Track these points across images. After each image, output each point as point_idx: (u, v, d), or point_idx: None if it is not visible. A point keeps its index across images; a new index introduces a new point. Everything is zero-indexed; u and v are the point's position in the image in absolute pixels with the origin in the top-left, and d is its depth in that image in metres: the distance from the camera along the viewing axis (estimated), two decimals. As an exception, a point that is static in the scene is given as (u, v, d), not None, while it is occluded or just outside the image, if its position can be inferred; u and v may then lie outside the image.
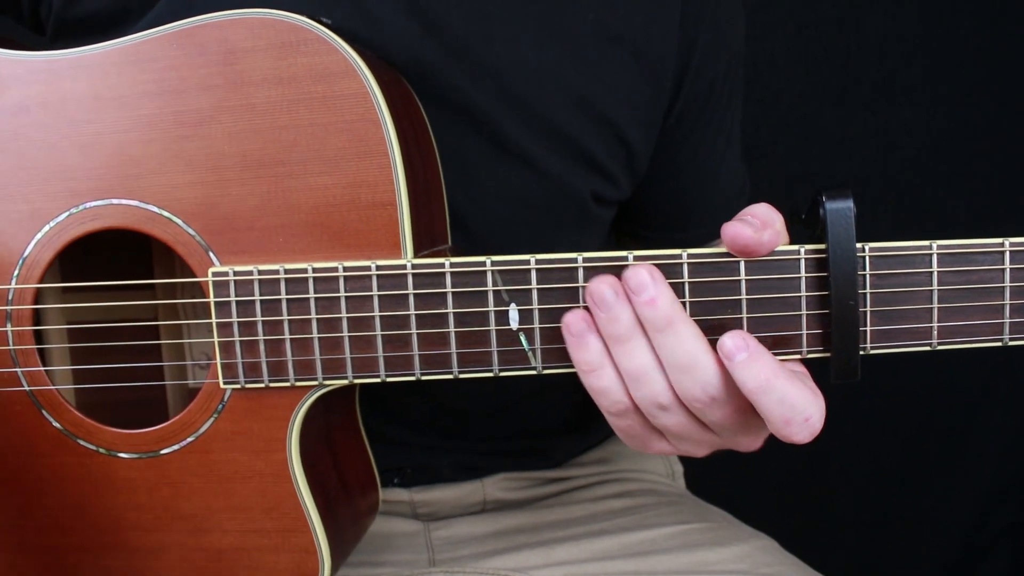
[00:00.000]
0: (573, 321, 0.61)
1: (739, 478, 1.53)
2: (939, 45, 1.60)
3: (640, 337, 0.60)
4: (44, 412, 0.72)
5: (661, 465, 1.02)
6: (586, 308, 0.61)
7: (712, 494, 0.98)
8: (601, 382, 0.61)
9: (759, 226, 0.60)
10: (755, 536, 0.88)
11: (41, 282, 0.71)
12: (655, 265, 0.62)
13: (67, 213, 0.70)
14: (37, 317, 0.74)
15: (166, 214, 0.68)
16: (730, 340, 0.59)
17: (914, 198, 1.63)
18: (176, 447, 0.70)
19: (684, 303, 0.63)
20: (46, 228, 0.70)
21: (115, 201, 0.69)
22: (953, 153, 1.63)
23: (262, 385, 0.67)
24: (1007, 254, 0.62)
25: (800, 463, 1.71)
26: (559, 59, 0.77)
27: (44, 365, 0.73)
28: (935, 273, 0.62)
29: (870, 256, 0.62)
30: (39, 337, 0.74)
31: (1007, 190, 1.62)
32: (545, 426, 0.96)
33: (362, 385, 0.77)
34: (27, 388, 0.72)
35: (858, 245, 0.61)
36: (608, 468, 0.98)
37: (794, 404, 0.58)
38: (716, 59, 0.84)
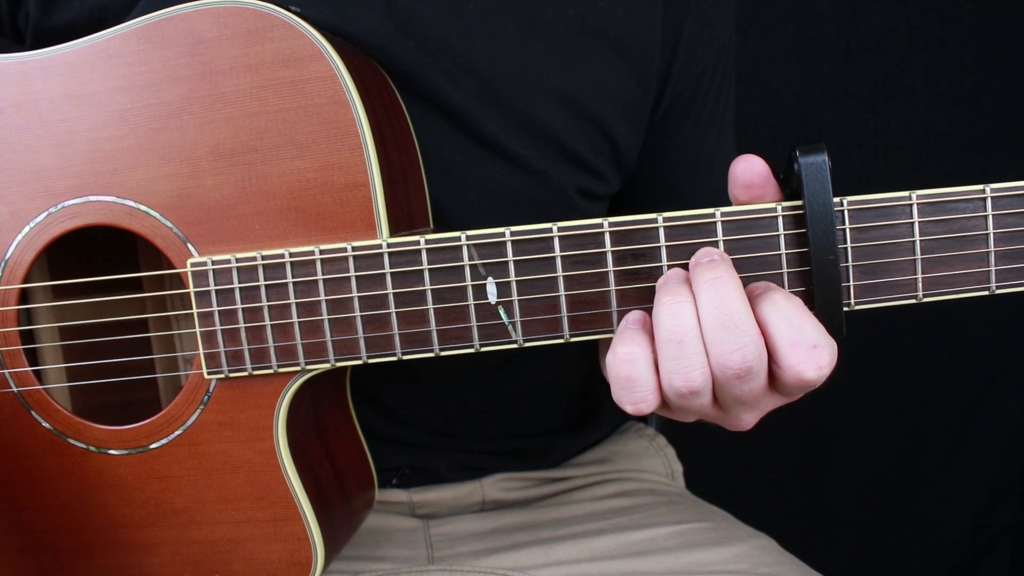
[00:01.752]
0: (631, 316, 0.62)
1: (739, 478, 1.52)
2: (939, 45, 1.59)
3: (690, 302, 0.59)
4: (33, 413, 0.72)
5: (660, 465, 1.01)
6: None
7: (712, 494, 0.97)
8: (633, 370, 0.59)
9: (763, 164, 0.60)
10: (755, 536, 0.87)
11: (24, 283, 0.71)
12: (631, 230, 0.62)
13: (46, 213, 0.70)
14: (25, 318, 0.74)
15: (143, 208, 0.68)
16: (755, 284, 0.60)
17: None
18: (165, 441, 0.70)
19: (663, 267, 0.62)
20: (26, 229, 0.71)
21: (92, 198, 0.69)
22: (953, 153, 1.62)
23: (245, 373, 0.67)
24: (988, 200, 0.61)
25: (800, 463, 1.71)
26: (540, 55, 0.76)
27: (36, 366, 0.73)
28: (916, 224, 0.61)
29: (849, 210, 0.61)
30: (29, 338, 0.75)
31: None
32: (543, 425, 0.95)
33: (355, 379, 0.77)
34: (15, 389, 0.72)
35: (836, 199, 0.60)
36: (607, 468, 0.97)
37: (802, 327, 0.57)
38: (704, 52, 0.82)
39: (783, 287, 0.62)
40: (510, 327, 0.64)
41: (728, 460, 1.46)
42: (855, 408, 1.61)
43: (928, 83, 1.61)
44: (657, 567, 0.81)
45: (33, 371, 0.72)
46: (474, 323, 0.64)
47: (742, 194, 0.62)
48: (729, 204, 0.90)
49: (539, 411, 0.94)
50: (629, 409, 0.60)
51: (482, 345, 0.65)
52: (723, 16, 0.85)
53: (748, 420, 0.63)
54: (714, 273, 0.59)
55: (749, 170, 0.61)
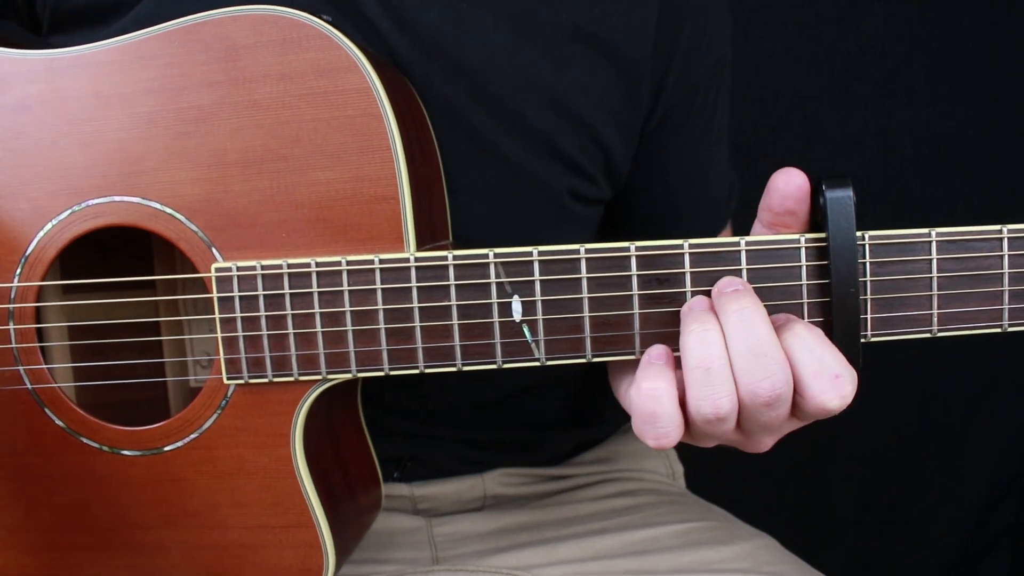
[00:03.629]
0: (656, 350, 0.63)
1: (739, 478, 1.52)
2: (939, 45, 1.60)
3: (717, 330, 0.60)
4: (47, 410, 0.72)
5: (662, 465, 1.03)
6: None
7: (712, 494, 0.98)
8: (657, 407, 0.60)
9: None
10: (756, 535, 0.88)
11: (43, 280, 0.71)
12: (656, 255, 0.63)
13: (69, 211, 0.70)
14: (39, 316, 0.74)
15: (169, 211, 0.68)
16: (776, 316, 0.62)
17: (914, 198, 1.63)
18: (180, 443, 0.70)
19: (687, 292, 0.64)
20: (48, 226, 0.70)
21: (117, 198, 0.69)
22: (953, 153, 1.63)
23: (266, 380, 0.68)
24: (1005, 240, 0.63)
25: (800, 463, 1.71)
26: (533, 58, 0.77)
27: (48, 363, 0.72)
28: (934, 260, 0.63)
29: (870, 244, 0.63)
30: (41, 336, 0.74)
31: (1007, 190, 1.62)
32: (544, 420, 0.96)
33: (363, 385, 0.78)
34: (30, 386, 0.72)
35: (858, 233, 0.62)
36: (609, 467, 0.98)
37: (823, 357, 0.59)
38: (699, 65, 0.83)
39: (803, 317, 0.63)
40: (533, 345, 0.65)
41: (728, 460, 1.46)
42: (855, 408, 1.62)
43: (928, 83, 1.61)
44: (660, 566, 0.82)
45: (47, 369, 0.72)
46: (498, 340, 0.65)
47: (777, 204, 0.62)
48: (722, 218, 0.90)
49: (542, 406, 0.95)
50: (651, 444, 0.61)
51: (504, 361, 0.66)
52: (720, 30, 0.85)
53: (767, 443, 0.65)
54: (741, 303, 0.60)
55: (791, 183, 0.62)
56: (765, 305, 0.62)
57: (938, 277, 0.63)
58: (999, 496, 1.76)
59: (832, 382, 0.58)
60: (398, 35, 0.74)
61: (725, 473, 1.32)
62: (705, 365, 0.59)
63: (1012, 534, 1.76)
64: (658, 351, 0.62)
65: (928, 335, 0.64)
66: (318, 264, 0.66)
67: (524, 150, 0.78)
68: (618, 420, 1.03)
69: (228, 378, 0.68)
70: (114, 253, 0.78)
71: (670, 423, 0.60)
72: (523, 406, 0.93)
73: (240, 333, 0.67)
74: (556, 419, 0.97)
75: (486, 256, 0.64)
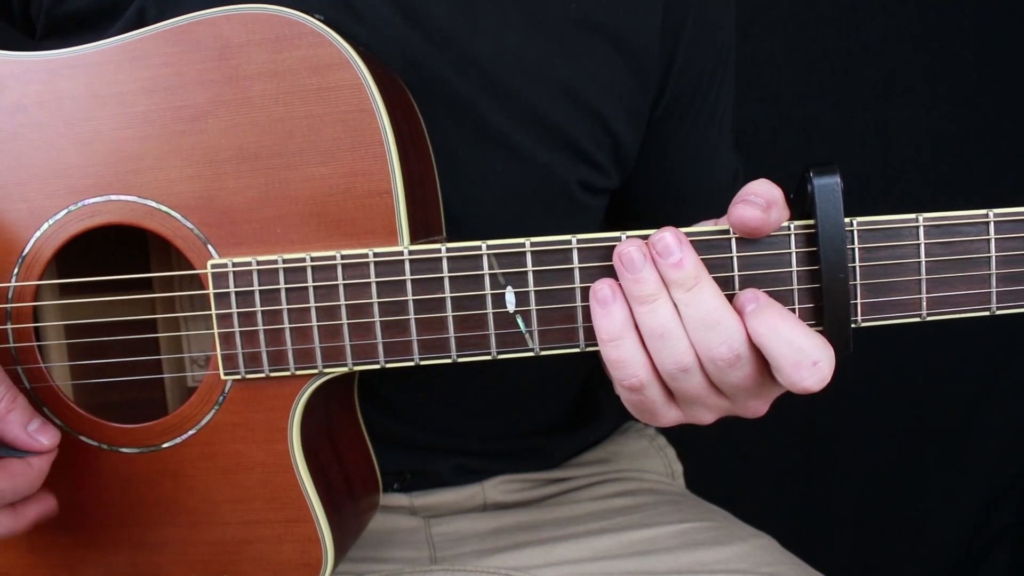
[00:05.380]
0: (600, 288, 0.63)
1: (739, 478, 1.53)
2: (939, 45, 1.61)
3: (665, 297, 0.61)
4: (45, 409, 0.72)
5: (661, 465, 1.03)
6: (613, 277, 0.63)
7: (712, 494, 0.99)
8: (620, 352, 0.62)
9: (765, 205, 0.61)
10: (755, 535, 0.88)
11: (40, 280, 0.72)
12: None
13: (66, 211, 0.70)
14: (36, 315, 0.75)
15: (164, 208, 0.69)
16: (742, 294, 0.62)
17: (914, 198, 1.64)
18: (178, 440, 0.71)
19: (678, 281, 0.64)
20: (45, 226, 0.71)
21: (113, 197, 0.70)
22: (953, 153, 1.64)
23: (263, 375, 0.68)
24: (991, 224, 0.63)
25: (800, 463, 1.72)
26: (542, 48, 0.78)
27: (46, 363, 0.73)
28: (922, 245, 0.63)
29: (858, 230, 0.63)
30: (38, 335, 0.75)
31: (1007, 190, 1.62)
32: (543, 425, 0.96)
33: (361, 382, 0.78)
34: (28, 385, 0.72)
35: (846, 219, 0.62)
36: (608, 468, 0.99)
37: (802, 347, 0.60)
38: (704, 52, 0.84)
39: (793, 304, 0.64)
40: (527, 336, 0.66)
41: (728, 460, 1.46)
42: (855, 408, 1.62)
43: (928, 83, 1.62)
44: (659, 566, 0.83)
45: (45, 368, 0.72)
46: (492, 331, 0.66)
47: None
48: (727, 202, 0.91)
49: (540, 409, 0.95)
50: (624, 385, 0.63)
51: (499, 352, 0.66)
52: (723, 17, 0.87)
53: (755, 406, 0.66)
54: (682, 274, 0.61)
55: (746, 222, 0.62)
56: (756, 292, 0.63)
57: (926, 262, 0.64)
58: (999, 496, 1.76)
59: (811, 370, 0.60)
60: (408, 29, 0.75)
61: (725, 473, 1.32)
62: (659, 332, 0.61)
63: (1012, 534, 1.76)
64: (602, 291, 0.63)
65: (917, 319, 0.65)
66: (313, 259, 0.66)
67: (535, 141, 0.79)
68: (616, 418, 1.04)
69: (225, 374, 0.68)
70: (111, 252, 0.79)
71: (636, 365, 0.62)
72: (523, 410, 0.93)
73: (236, 329, 0.68)
74: (554, 423, 0.97)
75: (479, 248, 0.65)
